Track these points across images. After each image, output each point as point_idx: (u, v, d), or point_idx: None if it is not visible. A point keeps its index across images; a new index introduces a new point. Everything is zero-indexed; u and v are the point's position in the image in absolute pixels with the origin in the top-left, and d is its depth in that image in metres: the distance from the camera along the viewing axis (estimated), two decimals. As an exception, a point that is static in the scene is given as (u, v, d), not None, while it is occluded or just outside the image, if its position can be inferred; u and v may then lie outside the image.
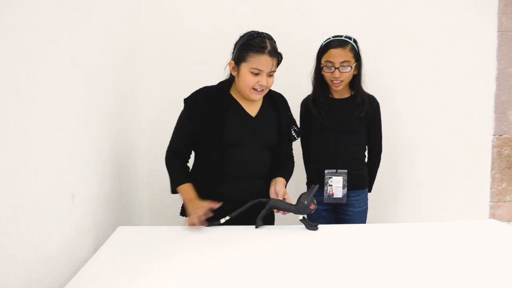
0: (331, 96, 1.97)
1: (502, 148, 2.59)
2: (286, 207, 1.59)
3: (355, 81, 1.93)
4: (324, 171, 1.93)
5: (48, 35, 1.14)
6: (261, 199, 1.60)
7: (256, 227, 1.58)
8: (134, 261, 1.26)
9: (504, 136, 2.59)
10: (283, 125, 1.72)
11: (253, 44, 1.57)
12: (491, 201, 2.62)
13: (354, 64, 1.87)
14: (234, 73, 1.65)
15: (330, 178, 1.92)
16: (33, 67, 1.06)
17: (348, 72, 1.87)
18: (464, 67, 2.53)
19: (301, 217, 1.58)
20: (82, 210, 1.39)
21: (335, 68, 1.85)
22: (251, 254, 1.32)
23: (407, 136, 2.50)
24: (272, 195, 1.64)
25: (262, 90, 1.62)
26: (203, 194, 1.64)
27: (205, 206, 1.54)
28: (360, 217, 1.99)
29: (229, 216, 1.57)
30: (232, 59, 1.65)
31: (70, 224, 1.30)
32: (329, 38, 1.90)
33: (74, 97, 1.33)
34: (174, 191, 1.66)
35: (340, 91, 1.94)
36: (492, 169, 2.60)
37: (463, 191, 2.59)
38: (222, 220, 1.57)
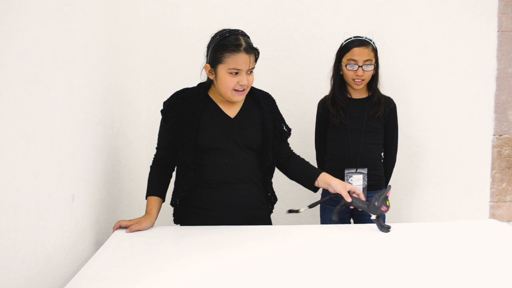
0: (349, 96, 1.99)
1: (502, 148, 2.59)
2: (360, 205, 1.55)
3: (373, 81, 1.97)
4: (342, 171, 1.94)
5: (48, 35, 1.14)
6: (339, 195, 1.58)
7: (333, 221, 1.58)
8: (134, 261, 1.26)
9: (504, 136, 2.59)
10: (267, 125, 1.64)
11: (227, 44, 1.50)
12: (491, 201, 2.62)
13: (374, 64, 1.92)
14: (211, 77, 1.58)
15: (350, 177, 1.93)
16: (33, 67, 1.06)
17: (370, 71, 1.91)
18: (464, 67, 2.52)
19: (374, 216, 1.54)
20: (82, 210, 1.39)
21: (359, 67, 1.89)
22: (253, 255, 1.31)
23: (407, 136, 2.50)
24: (344, 193, 1.57)
25: (244, 89, 1.55)
26: (189, 199, 1.62)
27: (138, 226, 1.52)
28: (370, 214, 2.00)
29: (308, 206, 1.61)
30: (207, 62, 1.58)
31: (70, 224, 1.30)
32: (350, 38, 1.94)
33: (74, 97, 1.33)
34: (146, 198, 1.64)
35: (358, 91, 1.98)
36: (492, 169, 2.60)
37: (463, 191, 2.59)
38: (302, 210, 1.61)
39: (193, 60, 2.42)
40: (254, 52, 1.54)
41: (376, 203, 1.51)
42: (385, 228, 1.52)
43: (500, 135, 2.58)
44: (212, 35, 1.58)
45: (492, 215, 2.61)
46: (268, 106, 1.68)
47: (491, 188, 2.61)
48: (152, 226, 1.57)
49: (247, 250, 1.35)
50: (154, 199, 1.61)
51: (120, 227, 1.54)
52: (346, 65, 1.92)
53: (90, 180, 1.48)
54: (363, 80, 1.92)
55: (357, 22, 2.43)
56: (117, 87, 1.86)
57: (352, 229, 1.62)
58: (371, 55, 1.90)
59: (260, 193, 1.67)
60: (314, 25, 2.45)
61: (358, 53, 1.89)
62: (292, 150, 1.76)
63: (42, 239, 1.12)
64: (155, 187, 1.64)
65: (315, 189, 1.69)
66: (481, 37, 2.52)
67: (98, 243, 1.49)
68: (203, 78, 1.66)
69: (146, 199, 1.63)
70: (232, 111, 1.62)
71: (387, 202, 1.51)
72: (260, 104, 1.66)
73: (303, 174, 1.69)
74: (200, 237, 1.47)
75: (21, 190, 1.01)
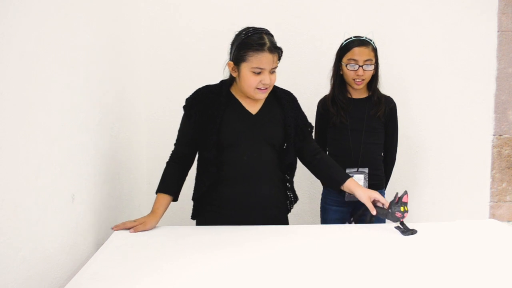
0: (349, 95, 1.99)
1: (502, 148, 2.59)
2: (382, 213, 1.54)
3: (373, 81, 1.97)
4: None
5: (48, 35, 1.14)
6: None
7: (349, 223, 1.59)
8: (134, 261, 1.26)
9: (504, 136, 2.59)
10: (289, 122, 1.64)
11: (251, 43, 1.50)
12: (491, 201, 2.62)
13: (375, 64, 1.93)
14: (234, 74, 1.59)
15: (352, 176, 1.93)
16: (33, 67, 1.06)
17: (370, 71, 1.92)
18: (464, 67, 2.53)
19: (396, 223, 1.51)
20: (82, 210, 1.39)
21: (359, 66, 1.89)
22: (253, 255, 1.32)
23: (407, 136, 2.50)
24: (368, 205, 1.56)
25: (266, 88, 1.56)
26: (206, 197, 1.62)
27: (143, 227, 1.52)
28: (378, 216, 2.00)
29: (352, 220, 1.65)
30: (230, 60, 1.59)
31: (70, 224, 1.30)
32: (350, 38, 1.94)
33: (74, 97, 1.33)
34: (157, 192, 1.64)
35: (358, 91, 1.99)
36: (492, 169, 2.60)
37: (463, 191, 2.59)
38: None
39: (193, 60, 2.44)
40: (277, 51, 1.54)
41: (389, 210, 1.50)
42: (407, 232, 1.48)
43: (500, 135, 2.58)
44: (237, 32, 1.58)
45: (492, 215, 2.61)
46: (290, 104, 1.68)
47: (491, 188, 2.61)
48: (156, 225, 1.57)
49: (247, 250, 1.35)
50: (164, 198, 1.60)
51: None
52: (346, 65, 1.92)
53: (90, 180, 1.47)
54: (363, 80, 1.92)
55: (357, 22, 2.43)
56: (117, 87, 1.86)
57: (353, 229, 1.62)
58: (371, 55, 1.91)
59: (279, 192, 1.67)
60: (314, 25, 2.45)
61: (359, 53, 1.89)
62: (318, 147, 1.74)
63: (42, 239, 1.12)
64: (169, 184, 1.63)
65: (340, 192, 1.69)
66: (481, 37, 2.52)
67: (98, 243, 1.49)
68: (226, 75, 1.66)
69: (156, 193, 1.62)
70: (254, 108, 1.63)
71: (402, 207, 1.48)
72: (282, 102, 1.66)
73: (331, 178, 1.69)
74: (200, 237, 1.47)
75: (21, 190, 1.01)
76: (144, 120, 2.40)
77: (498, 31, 2.52)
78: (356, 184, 1.64)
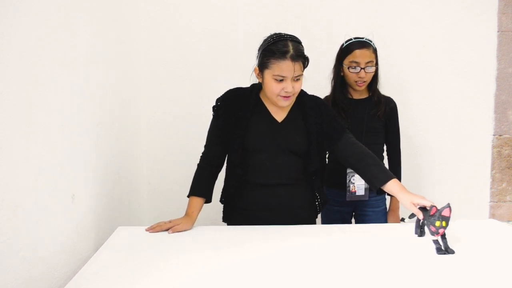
0: (350, 96, 1.99)
1: (502, 148, 2.59)
2: (427, 219, 1.38)
3: (373, 82, 1.97)
4: (344, 170, 1.94)
5: (48, 34, 1.14)
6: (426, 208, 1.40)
7: (417, 234, 1.45)
8: (134, 261, 1.26)
9: (504, 136, 2.59)
10: (311, 130, 1.61)
11: (274, 50, 1.50)
12: (491, 201, 2.62)
13: (376, 66, 1.92)
14: (259, 80, 1.59)
15: (352, 176, 1.93)
16: (33, 67, 1.06)
17: (372, 73, 1.91)
18: (464, 67, 2.52)
19: (433, 236, 1.35)
20: (82, 210, 1.39)
21: (361, 69, 1.89)
22: (253, 255, 1.32)
23: (407, 136, 2.50)
24: (413, 210, 1.43)
25: (289, 96, 1.54)
26: (232, 199, 1.64)
27: (180, 227, 1.53)
28: (379, 216, 2.00)
29: (408, 217, 1.48)
30: (256, 65, 1.59)
31: (70, 224, 1.30)
32: (350, 39, 1.93)
33: (74, 97, 1.33)
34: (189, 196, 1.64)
35: (359, 91, 1.99)
36: (492, 169, 2.60)
37: (463, 191, 2.59)
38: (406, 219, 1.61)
39: (193, 60, 2.44)
40: (301, 59, 1.51)
41: (424, 222, 1.40)
42: (441, 251, 1.31)
43: (500, 135, 2.58)
44: (265, 37, 1.57)
45: (492, 215, 2.61)
46: (313, 111, 1.65)
47: (491, 188, 2.61)
48: (191, 228, 1.57)
49: (247, 250, 1.35)
50: (197, 201, 1.61)
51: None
52: (348, 68, 1.92)
53: (90, 180, 1.48)
54: (365, 82, 1.92)
55: (357, 22, 2.43)
56: (117, 87, 1.86)
57: (353, 229, 1.61)
58: (372, 57, 1.90)
59: (305, 193, 1.67)
60: (314, 25, 2.45)
61: (360, 55, 1.88)
62: (355, 144, 1.65)
63: (42, 239, 1.12)
64: (200, 187, 1.64)
65: (380, 192, 1.63)
66: (481, 37, 2.52)
67: (98, 243, 1.49)
68: (253, 79, 1.65)
69: (188, 197, 1.63)
70: (280, 115, 1.63)
71: (438, 222, 1.30)
72: (305, 109, 1.65)
73: (370, 179, 1.60)
74: (200, 237, 1.47)
75: (21, 190, 1.01)
76: (144, 120, 2.40)
77: (498, 31, 2.52)
78: (400, 187, 1.50)
